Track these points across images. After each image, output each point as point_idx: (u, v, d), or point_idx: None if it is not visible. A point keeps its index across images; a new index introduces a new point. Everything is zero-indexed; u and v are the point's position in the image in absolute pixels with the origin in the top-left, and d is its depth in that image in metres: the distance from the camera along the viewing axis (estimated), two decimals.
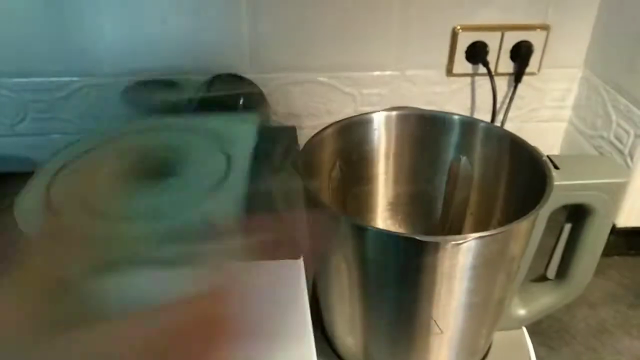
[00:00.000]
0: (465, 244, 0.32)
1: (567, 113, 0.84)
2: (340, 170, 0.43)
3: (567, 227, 0.40)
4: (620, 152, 0.71)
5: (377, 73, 0.78)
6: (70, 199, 0.33)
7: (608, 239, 0.72)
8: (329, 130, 0.41)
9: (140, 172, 0.36)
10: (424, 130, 0.43)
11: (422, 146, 0.43)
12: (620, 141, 0.72)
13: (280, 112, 0.79)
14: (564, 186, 0.36)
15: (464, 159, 0.43)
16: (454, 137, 0.42)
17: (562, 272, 0.42)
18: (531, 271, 0.46)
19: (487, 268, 0.34)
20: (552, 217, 0.44)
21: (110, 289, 0.30)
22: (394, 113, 0.42)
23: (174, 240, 0.31)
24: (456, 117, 0.42)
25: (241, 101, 0.63)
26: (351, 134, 0.42)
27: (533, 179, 0.35)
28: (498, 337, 0.43)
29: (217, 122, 0.43)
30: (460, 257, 0.33)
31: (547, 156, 0.38)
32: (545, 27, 0.76)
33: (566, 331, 0.62)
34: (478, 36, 0.75)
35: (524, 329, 0.45)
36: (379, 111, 0.42)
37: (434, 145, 0.43)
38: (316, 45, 0.75)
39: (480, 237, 0.32)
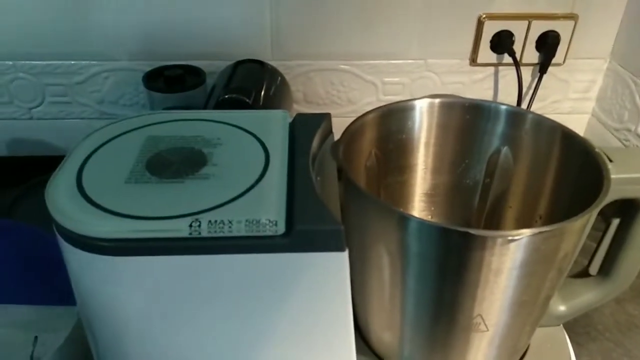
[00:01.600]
0: (517, 241, 0.31)
1: (591, 105, 0.83)
2: (376, 159, 0.42)
3: (615, 222, 0.39)
4: None
5: (399, 61, 0.77)
6: (105, 187, 0.32)
7: None
8: (370, 117, 0.40)
9: (174, 161, 0.35)
10: (465, 119, 0.41)
11: (463, 136, 0.42)
12: None
13: (301, 100, 0.78)
14: (619, 180, 0.35)
15: (505, 149, 0.42)
16: (498, 127, 0.41)
17: (607, 268, 0.40)
18: (575, 268, 0.44)
19: (538, 265, 0.33)
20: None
21: None
22: (437, 100, 0.41)
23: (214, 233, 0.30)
24: (503, 106, 0.40)
25: (263, 88, 0.62)
26: (391, 121, 0.41)
27: (584, 172, 0.34)
28: (537, 334, 0.42)
29: (248, 115, 0.42)
30: (510, 254, 0.31)
31: (602, 150, 0.36)
32: (572, 17, 0.74)
33: (593, 327, 0.61)
34: (504, 25, 0.74)
35: (562, 326, 0.43)
36: (421, 98, 0.41)
37: (475, 135, 0.42)
38: (338, 33, 0.74)
39: (535, 234, 0.30)
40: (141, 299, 0.32)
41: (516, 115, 0.40)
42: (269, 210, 0.31)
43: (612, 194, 0.36)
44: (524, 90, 0.80)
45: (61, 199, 0.31)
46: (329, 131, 0.41)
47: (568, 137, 0.37)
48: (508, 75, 0.78)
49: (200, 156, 0.35)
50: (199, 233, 0.30)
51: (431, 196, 0.45)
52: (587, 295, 0.42)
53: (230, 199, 0.31)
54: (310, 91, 0.77)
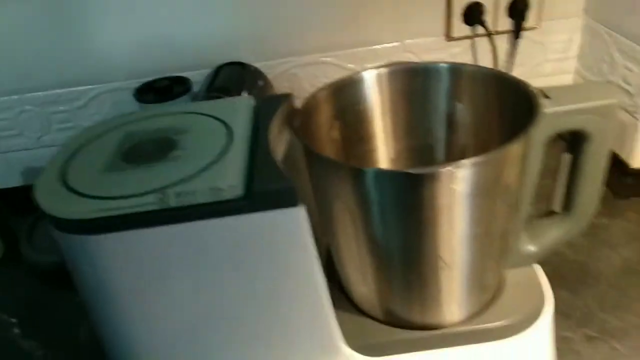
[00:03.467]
0: (459, 172, 0.33)
1: (573, 64, 0.84)
2: (340, 131, 0.45)
3: (567, 157, 0.41)
4: (629, 92, 0.71)
5: (377, 47, 0.80)
6: (85, 178, 0.36)
7: (624, 181, 0.72)
8: (323, 93, 0.43)
9: (146, 150, 0.38)
10: (415, 83, 0.44)
11: (416, 99, 0.45)
12: (628, 82, 0.71)
13: None
14: (555, 113, 0.37)
15: (459, 105, 0.44)
16: (445, 86, 0.43)
17: (568, 203, 0.42)
18: (541, 210, 0.47)
19: (484, 197, 0.35)
20: (556, 156, 0.45)
21: None
22: (383, 70, 0.43)
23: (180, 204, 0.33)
24: (443, 65, 0.43)
25: (244, 87, 0.65)
26: (345, 95, 0.44)
27: (524, 112, 0.36)
28: (512, 275, 0.44)
29: (216, 103, 0.45)
30: (455, 186, 0.34)
31: (539, 88, 0.39)
32: None
33: (588, 273, 0.63)
34: None
35: (538, 266, 0.45)
36: (369, 69, 0.44)
37: (428, 97, 0.45)
38: (315, 27, 0.77)
39: (472, 163, 0.33)
40: (125, 273, 0.35)
41: (456, 71, 0.42)
42: (229, 177, 0.34)
43: (553, 127, 0.38)
44: (504, 57, 0.81)
45: (46, 190, 0.35)
46: (292, 109, 0.44)
47: (504, 81, 0.39)
48: (486, 45, 0.80)
49: (170, 143, 0.39)
50: (168, 204, 0.33)
51: (398, 161, 0.47)
52: (554, 232, 0.44)
53: (195, 172, 0.35)
54: (297, 87, 0.81)
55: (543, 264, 0.63)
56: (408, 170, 0.33)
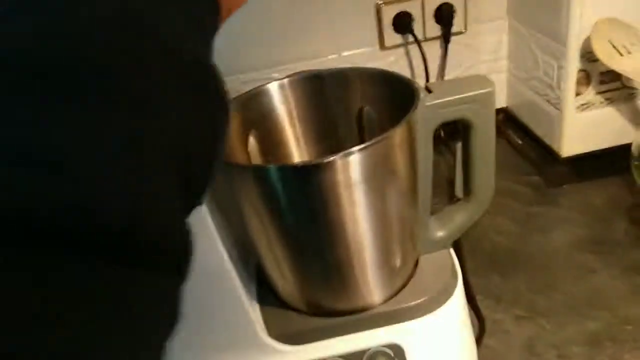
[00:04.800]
0: (346, 160, 0.36)
1: (504, 63, 0.88)
2: (256, 143, 0.48)
3: (459, 145, 0.44)
4: (550, 86, 0.76)
5: (317, 60, 0.84)
6: None
7: (555, 170, 0.76)
8: (231, 106, 0.46)
9: None
10: (320, 90, 0.47)
11: (323, 105, 0.48)
12: (549, 76, 0.76)
13: None
14: (437, 105, 0.40)
15: (366, 108, 0.48)
16: (349, 91, 0.47)
17: (467, 188, 0.46)
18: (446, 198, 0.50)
19: (375, 183, 0.38)
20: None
21: None
22: (286, 80, 0.47)
23: None
24: (334, 70, 0.46)
25: None
26: (253, 108, 0.47)
27: (410, 106, 0.40)
28: (425, 259, 0.48)
29: None
30: (344, 174, 0.37)
31: (425, 84, 0.42)
32: None
33: (518, 258, 0.66)
34: (401, 7, 0.80)
35: (451, 250, 0.49)
36: (272, 82, 0.47)
37: (334, 102, 0.48)
38: (260, 44, 0.81)
39: (358, 150, 0.36)
40: None
41: (347, 75, 0.46)
42: None
43: (437, 118, 0.41)
44: (438, 62, 0.86)
45: None
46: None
47: (391, 80, 0.43)
48: (419, 52, 0.84)
49: None
50: None
51: None
52: (459, 217, 0.47)
53: None
54: None
55: (477, 252, 0.67)
56: (297, 163, 0.36)
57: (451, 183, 0.61)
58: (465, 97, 0.40)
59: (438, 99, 0.40)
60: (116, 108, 0.17)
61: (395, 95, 0.43)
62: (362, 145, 0.36)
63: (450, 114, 0.41)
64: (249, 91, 0.47)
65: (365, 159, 0.37)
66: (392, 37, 0.83)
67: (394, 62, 0.85)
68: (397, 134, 0.38)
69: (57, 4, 0.18)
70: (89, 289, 0.16)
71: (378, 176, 0.39)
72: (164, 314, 0.19)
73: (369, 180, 0.38)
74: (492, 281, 0.63)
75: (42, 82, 0.16)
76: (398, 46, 0.84)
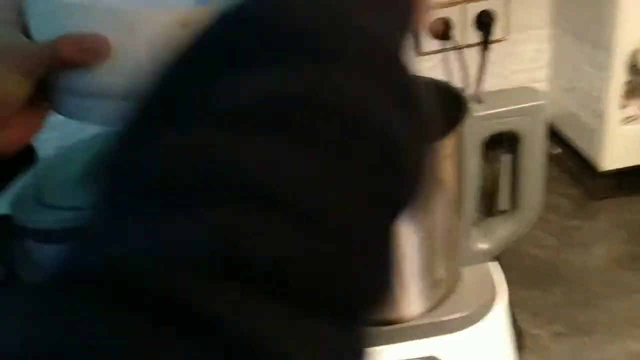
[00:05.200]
0: None
1: (544, 73, 0.87)
2: None
3: (506, 157, 0.43)
4: (593, 97, 0.74)
5: None
6: (56, 188, 0.39)
7: (596, 184, 0.74)
8: None
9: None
10: None
11: None
12: (592, 87, 0.74)
13: None
14: (487, 115, 0.40)
15: None
16: None
17: (513, 201, 0.45)
18: (491, 209, 0.49)
19: None
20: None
21: None
22: None
23: None
24: None
25: None
26: None
27: (458, 116, 0.39)
28: (467, 271, 0.47)
29: None
30: None
31: (474, 93, 0.42)
32: None
33: (558, 273, 0.65)
34: (440, 13, 0.79)
35: (494, 263, 0.48)
36: None
37: None
38: None
39: None
40: None
41: None
42: None
43: (486, 129, 0.41)
44: (476, 69, 0.84)
45: (20, 204, 0.39)
46: None
47: (438, 88, 0.42)
48: (456, 59, 0.83)
49: None
50: None
51: None
52: (503, 230, 0.46)
53: None
54: None
55: (515, 265, 0.65)
56: None
57: (488, 194, 0.60)
58: (517, 108, 0.40)
59: (488, 109, 0.40)
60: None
61: (443, 104, 0.42)
62: None
63: (500, 126, 0.40)
64: None
65: None
66: (430, 43, 0.82)
67: (430, 68, 0.84)
68: (446, 145, 0.37)
69: None
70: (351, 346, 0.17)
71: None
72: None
73: None
74: (530, 295, 0.62)
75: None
76: (435, 52, 0.83)
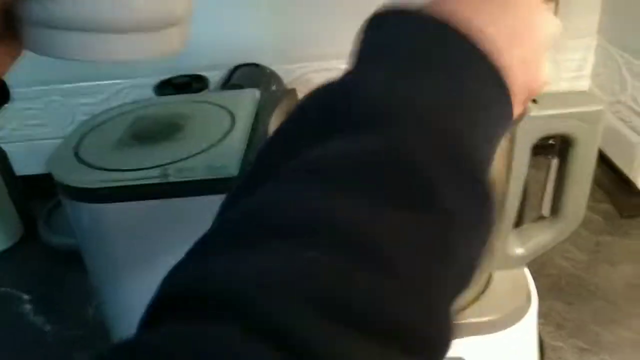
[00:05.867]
0: None
1: (586, 82, 0.85)
2: None
3: (554, 162, 0.42)
4: (636, 112, 0.72)
5: None
6: (96, 152, 0.39)
7: (630, 201, 0.72)
8: None
9: (154, 131, 0.41)
10: None
11: None
12: (636, 102, 0.72)
13: None
14: (541, 117, 0.38)
15: None
16: None
17: (556, 207, 0.44)
18: (530, 214, 0.48)
19: None
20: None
21: None
22: None
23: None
24: None
25: (258, 87, 0.68)
26: None
27: None
28: (499, 275, 0.46)
29: (223, 94, 0.48)
30: None
31: None
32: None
33: (585, 287, 0.63)
34: None
35: (526, 269, 0.47)
36: None
37: None
38: (332, 34, 0.79)
39: None
40: (127, 242, 0.38)
41: None
42: (226, 158, 0.37)
43: (539, 130, 0.39)
44: None
45: (60, 162, 0.38)
46: (294, 104, 0.47)
47: None
48: None
49: (176, 126, 0.42)
50: (168, 179, 0.36)
51: None
52: (542, 236, 0.45)
53: (196, 152, 0.37)
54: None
55: (542, 275, 0.64)
56: None
57: (529, 197, 0.58)
58: (575, 112, 0.38)
59: (544, 110, 0.38)
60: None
61: None
62: None
63: (554, 128, 0.39)
64: None
65: None
66: None
67: None
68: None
69: None
70: None
71: None
72: None
73: None
74: (555, 307, 0.60)
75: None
76: None
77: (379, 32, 0.25)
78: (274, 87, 0.73)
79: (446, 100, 0.21)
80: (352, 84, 0.22)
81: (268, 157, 0.22)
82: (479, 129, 0.22)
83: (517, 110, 0.25)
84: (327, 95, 0.22)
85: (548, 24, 0.26)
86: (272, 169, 0.21)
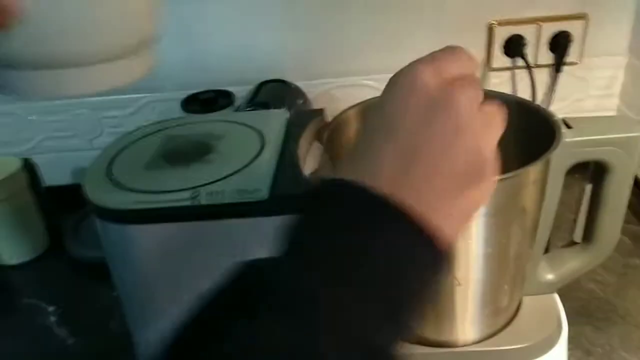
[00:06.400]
0: None
1: (615, 101, 0.83)
2: None
3: (588, 187, 0.41)
4: None
5: None
6: (128, 173, 0.39)
7: None
8: (353, 110, 0.45)
9: (185, 152, 0.41)
10: None
11: None
12: None
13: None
14: (576, 142, 0.38)
15: None
16: None
17: (588, 234, 0.43)
18: (562, 239, 0.47)
19: (500, 218, 0.36)
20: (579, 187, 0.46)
21: None
22: None
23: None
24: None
25: (284, 103, 0.68)
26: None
27: (545, 140, 0.37)
28: (529, 301, 0.45)
29: (252, 114, 0.48)
30: None
31: (562, 118, 0.40)
32: (582, 17, 0.77)
33: (614, 312, 0.62)
34: (514, 30, 0.77)
35: (556, 295, 0.46)
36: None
37: None
38: (357, 51, 0.80)
39: None
40: (157, 264, 0.38)
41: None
42: (256, 181, 0.36)
43: (574, 156, 0.39)
44: (545, 90, 0.82)
45: (93, 182, 0.38)
46: (323, 124, 0.47)
47: (525, 108, 0.41)
48: (526, 77, 0.81)
49: (206, 146, 0.42)
50: (199, 201, 0.36)
51: None
52: (574, 262, 0.44)
53: (226, 175, 0.38)
54: (335, 107, 0.83)
55: (570, 298, 0.63)
56: None
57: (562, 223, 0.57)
58: (611, 138, 0.37)
59: (579, 136, 0.38)
60: None
61: (530, 126, 0.40)
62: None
63: (590, 155, 0.38)
64: (373, 98, 0.45)
65: (495, 193, 0.35)
66: (500, 59, 0.79)
67: (497, 84, 0.82)
68: (534, 171, 0.36)
69: None
70: None
71: (502, 210, 0.36)
72: None
73: (491, 213, 0.36)
74: (583, 332, 0.59)
75: None
76: (505, 69, 0.80)
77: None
78: (300, 102, 0.73)
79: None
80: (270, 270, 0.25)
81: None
82: (396, 303, 0.24)
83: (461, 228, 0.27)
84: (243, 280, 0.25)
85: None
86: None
